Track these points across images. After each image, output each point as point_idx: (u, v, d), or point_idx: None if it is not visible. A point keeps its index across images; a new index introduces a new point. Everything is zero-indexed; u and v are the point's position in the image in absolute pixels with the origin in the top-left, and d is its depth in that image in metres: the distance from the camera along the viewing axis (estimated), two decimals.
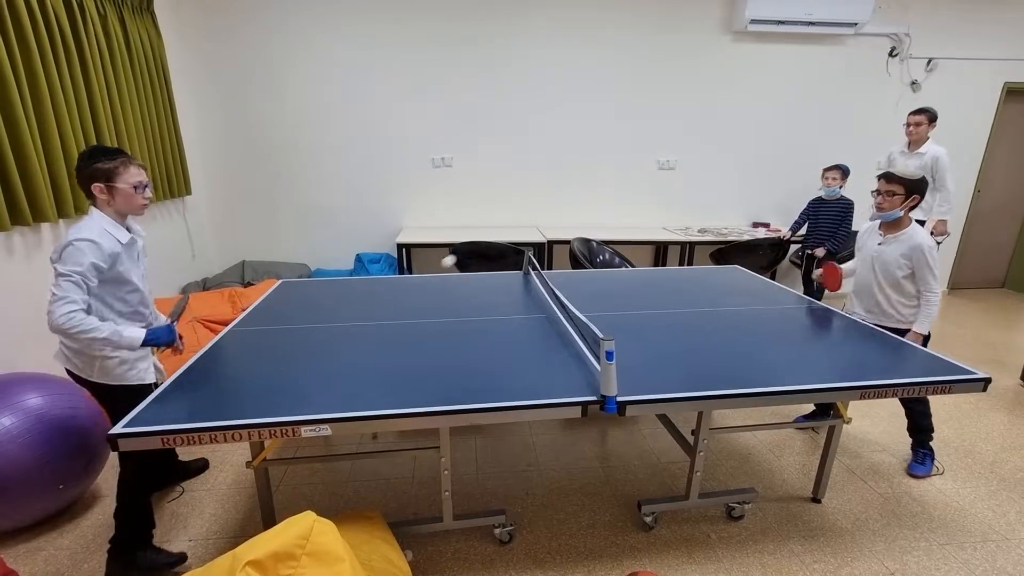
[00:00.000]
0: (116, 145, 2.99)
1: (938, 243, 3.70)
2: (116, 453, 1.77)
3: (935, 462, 2.47)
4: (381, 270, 4.24)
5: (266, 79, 4.01)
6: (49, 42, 2.49)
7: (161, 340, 1.73)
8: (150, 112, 3.34)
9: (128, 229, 1.76)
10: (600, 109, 4.37)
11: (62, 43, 2.58)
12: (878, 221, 2.31)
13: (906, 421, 2.50)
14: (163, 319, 1.88)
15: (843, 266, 2.50)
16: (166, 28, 3.62)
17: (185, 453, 2.55)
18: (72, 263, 1.56)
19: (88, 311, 1.60)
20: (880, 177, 2.21)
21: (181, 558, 1.89)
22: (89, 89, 2.78)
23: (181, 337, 1.86)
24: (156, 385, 1.85)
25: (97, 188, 1.65)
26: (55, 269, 1.57)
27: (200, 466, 2.41)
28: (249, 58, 3.95)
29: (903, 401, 2.47)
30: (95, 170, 1.63)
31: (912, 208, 2.19)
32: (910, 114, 3.48)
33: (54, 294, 1.55)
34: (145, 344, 1.69)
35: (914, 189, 2.14)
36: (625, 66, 4.28)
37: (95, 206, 1.68)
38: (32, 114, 2.39)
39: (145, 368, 1.83)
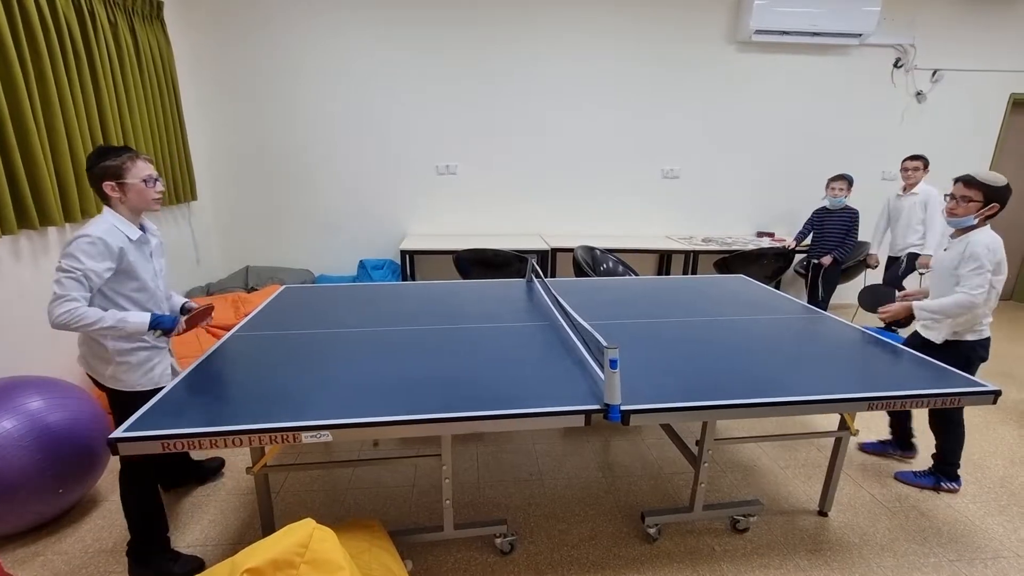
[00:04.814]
0: None
1: (921, 274, 3.73)
2: (121, 461, 1.80)
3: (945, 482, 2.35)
4: (384, 276, 4.24)
5: (272, 86, 4.04)
6: (60, 49, 2.52)
7: (164, 325, 1.72)
8: (158, 118, 3.37)
9: (142, 228, 1.76)
10: (605, 118, 4.39)
11: (72, 50, 2.61)
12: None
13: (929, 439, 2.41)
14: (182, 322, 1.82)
15: (916, 290, 2.33)
16: (175, 35, 3.66)
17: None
18: (74, 260, 1.55)
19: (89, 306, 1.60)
20: (957, 180, 2.03)
21: (198, 566, 1.86)
22: (98, 95, 2.80)
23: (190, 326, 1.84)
24: None
25: (108, 187, 1.65)
26: (58, 264, 1.56)
27: (216, 466, 2.38)
28: (256, 65, 3.99)
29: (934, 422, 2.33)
30: (104, 169, 1.63)
31: (990, 217, 2.00)
32: (906, 159, 3.72)
33: (55, 292, 1.55)
34: (152, 326, 1.68)
35: (993, 197, 1.96)
36: (629, 75, 4.30)
37: (109, 206, 1.68)
38: (42, 119, 2.42)
39: (161, 372, 1.82)
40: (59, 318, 1.54)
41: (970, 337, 2.09)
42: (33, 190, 2.37)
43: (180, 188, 3.64)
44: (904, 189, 3.76)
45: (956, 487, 2.32)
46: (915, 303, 2.10)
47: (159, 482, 1.91)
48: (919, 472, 2.38)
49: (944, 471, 2.33)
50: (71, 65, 2.60)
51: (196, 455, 2.48)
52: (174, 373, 1.89)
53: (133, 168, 1.66)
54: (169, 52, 3.53)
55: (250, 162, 4.20)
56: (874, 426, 2.90)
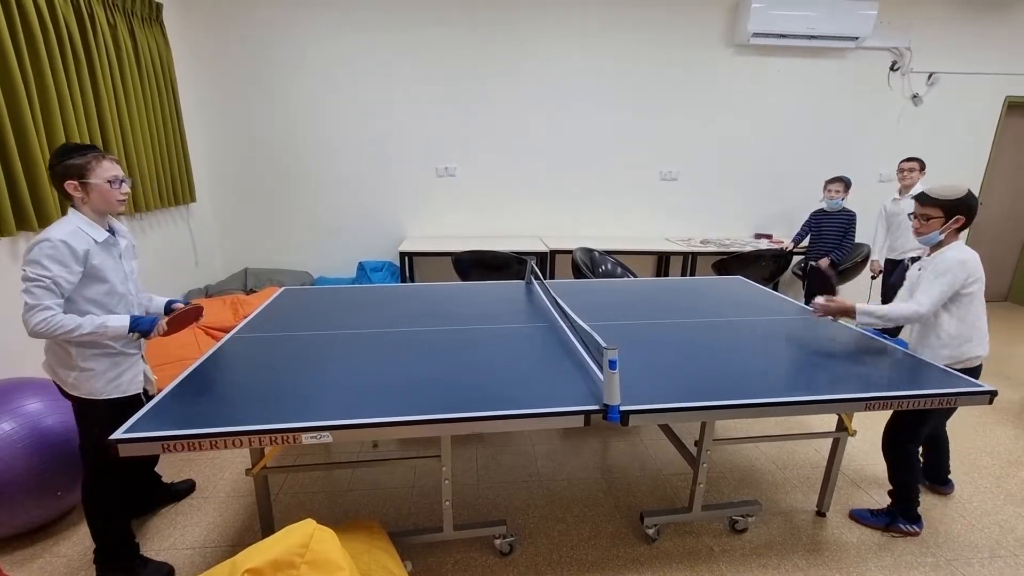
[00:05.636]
0: (123, 152, 3.02)
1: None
2: (84, 471, 1.76)
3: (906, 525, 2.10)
4: (383, 278, 4.24)
5: (271, 89, 4.05)
6: (59, 50, 2.52)
7: (143, 327, 1.66)
8: (157, 120, 3.37)
9: (111, 229, 1.69)
10: (604, 120, 4.40)
11: (72, 52, 2.62)
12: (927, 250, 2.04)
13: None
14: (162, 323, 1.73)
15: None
16: (174, 37, 3.66)
17: (175, 469, 2.54)
18: (40, 268, 1.49)
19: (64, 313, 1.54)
20: (915, 199, 1.96)
21: (167, 572, 1.85)
22: (97, 97, 2.81)
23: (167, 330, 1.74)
24: (146, 396, 1.81)
25: (71, 186, 1.57)
26: (23, 272, 1.49)
27: (187, 488, 2.29)
28: (255, 67, 4.00)
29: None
30: (67, 167, 1.55)
31: (959, 229, 1.89)
32: (903, 161, 3.72)
33: (27, 302, 1.48)
34: (131, 330, 1.63)
35: (954, 209, 1.86)
36: (628, 78, 4.32)
37: (73, 207, 1.62)
38: (41, 121, 2.42)
39: (131, 380, 1.74)
40: (36, 327, 1.49)
41: (959, 367, 1.93)
42: (32, 192, 2.37)
43: (179, 190, 3.64)
44: (900, 192, 3.76)
45: (917, 530, 2.08)
46: (858, 304, 1.95)
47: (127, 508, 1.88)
48: (876, 511, 2.15)
49: (902, 510, 2.09)
50: (70, 67, 2.60)
51: (172, 471, 2.46)
52: (147, 382, 1.83)
53: (98, 168, 1.58)
54: (168, 54, 3.53)
55: (249, 164, 4.20)
56: (873, 427, 2.91)
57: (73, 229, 1.56)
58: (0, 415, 1.87)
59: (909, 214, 2.04)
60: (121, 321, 1.62)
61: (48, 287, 1.50)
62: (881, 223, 3.90)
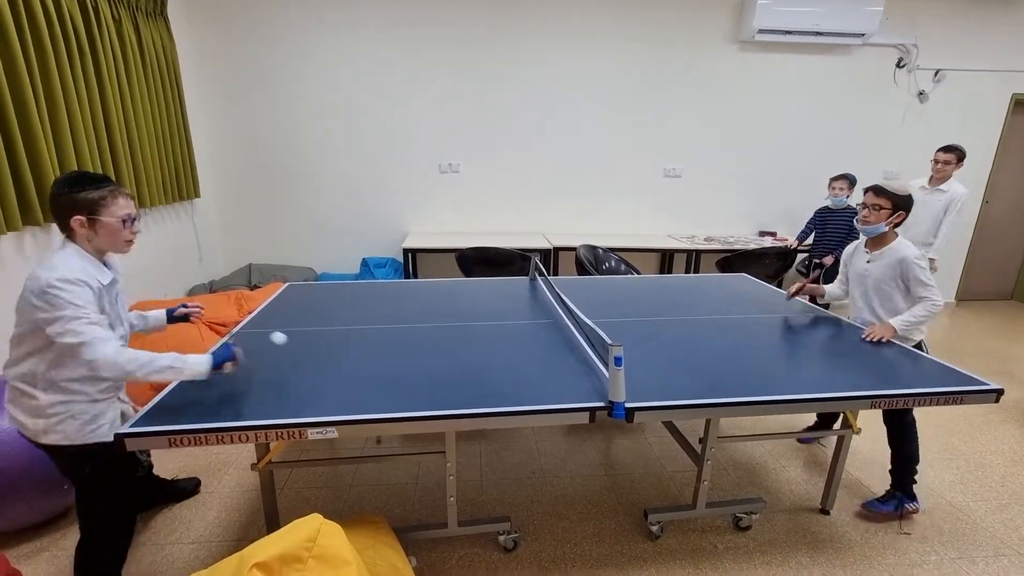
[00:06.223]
0: (127, 147, 3.02)
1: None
2: (78, 478, 1.57)
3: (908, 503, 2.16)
4: (387, 275, 4.25)
5: (275, 84, 4.05)
6: (64, 46, 2.52)
7: (225, 358, 1.56)
8: (161, 115, 3.38)
9: (106, 266, 1.52)
10: (607, 117, 4.39)
11: (77, 47, 2.62)
12: (862, 240, 2.22)
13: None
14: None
15: (825, 287, 2.43)
16: (178, 33, 3.66)
17: (180, 465, 2.55)
18: (72, 308, 1.30)
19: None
20: (867, 190, 2.11)
21: None
22: (102, 92, 2.81)
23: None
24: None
25: (77, 221, 1.38)
26: (54, 314, 1.30)
27: (191, 487, 2.23)
28: (259, 63, 3.99)
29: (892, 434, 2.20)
30: (76, 200, 1.37)
31: (897, 225, 2.10)
32: (938, 150, 3.39)
33: (81, 341, 1.30)
34: (214, 367, 1.51)
35: (901, 205, 2.06)
36: (632, 74, 4.30)
37: (71, 240, 1.42)
38: (46, 116, 2.42)
39: (111, 424, 1.54)
40: (113, 360, 1.33)
41: (916, 337, 2.15)
42: (38, 187, 2.37)
43: (183, 185, 3.65)
44: (931, 182, 3.42)
45: (917, 507, 2.16)
46: (897, 323, 2.06)
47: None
48: (882, 497, 2.19)
49: (904, 489, 2.16)
50: (75, 61, 2.60)
51: (176, 467, 2.45)
52: (124, 420, 1.59)
53: (113, 205, 1.41)
54: (172, 49, 3.53)
55: (252, 160, 4.20)
56: (878, 425, 2.90)
57: (82, 269, 1.38)
58: (5, 410, 1.87)
59: (858, 204, 2.17)
60: (200, 357, 1.47)
61: (96, 321, 1.34)
62: None
